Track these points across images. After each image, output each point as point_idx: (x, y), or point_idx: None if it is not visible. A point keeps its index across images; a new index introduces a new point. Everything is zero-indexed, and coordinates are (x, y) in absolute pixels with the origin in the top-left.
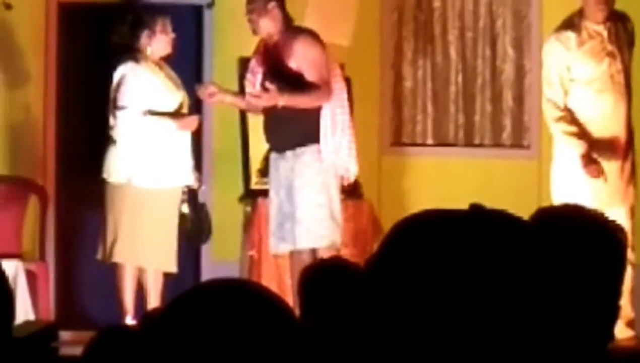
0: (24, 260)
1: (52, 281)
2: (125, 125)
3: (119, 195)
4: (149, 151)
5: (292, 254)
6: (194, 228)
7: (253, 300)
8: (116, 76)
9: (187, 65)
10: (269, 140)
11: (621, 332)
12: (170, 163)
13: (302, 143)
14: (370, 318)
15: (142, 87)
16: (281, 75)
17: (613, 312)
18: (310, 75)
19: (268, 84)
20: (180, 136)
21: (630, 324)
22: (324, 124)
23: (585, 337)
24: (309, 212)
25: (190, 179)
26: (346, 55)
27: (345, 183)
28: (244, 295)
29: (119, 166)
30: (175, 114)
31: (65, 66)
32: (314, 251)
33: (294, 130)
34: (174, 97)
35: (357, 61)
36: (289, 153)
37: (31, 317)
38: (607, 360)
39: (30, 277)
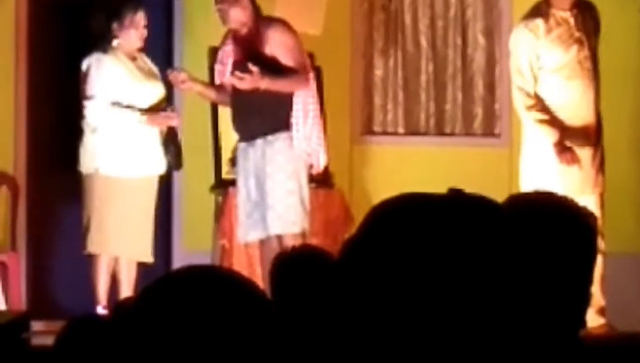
0: None
1: (24, 271)
2: (93, 115)
3: (89, 185)
4: (117, 140)
5: (262, 243)
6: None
7: (226, 285)
8: (83, 67)
9: (158, 54)
10: (237, 129)
11: (592, 319)
12: (139, 152)
13: (273, 130)
14: (346, 304)
15: (109, 78)
16: (257, 64)
17: (585, 298)
18: (287, 61)
19: (251, 66)
20: (149, 127)
21: (601, 312)
22: (296, 112)
23: (557, 323)
24: (280, 198)
25: (161, 169)
26: (317, 44)
27: (315, 172)
28: (216, 281)
29: (88, 156)
30: (147, 110)
31: (37, 57)
32: (281, 240)
33: (263, 119)
34: (144, 88)
35: (328, 50)
36: (259, 141)
37: (2, 307)
38: (579, 346)
39: (2, 267)
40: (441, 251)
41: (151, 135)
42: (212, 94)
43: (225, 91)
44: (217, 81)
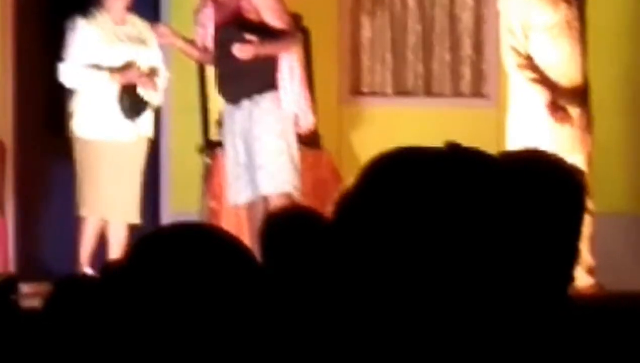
0: None
1: (11, 234)
2: (65, 77)
3: (73, 149)
4: (91, 103)
5: (250, 205)
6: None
7: (214, 242)
8: (65, 31)
9: (145, 19)
10: (222, 92)
11: (581, 279)
12: (114, 115)
13: (259, 91)
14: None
15: (82, 42)
16: (242, 29)
17: (573, 254)
18: (276, 23)
19: (249, 36)
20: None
21: (590, 272)
22: (282, 73)
23: (546, 278)
24: (270, 158)
25: (149, 131)
26: (304, 5)
27: (302, 132)
28: (204, 238)
29: (69, 120)
30: (114, 69)
31: (23, 18)
32: (285, 197)
33: (249, 80)
34: (123, 52)
35: (315, 11)
36: (245, 102)
37: None
38: (568, 301)
39: None
40: (439, 205)
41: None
42: (194, 52)
43: (208, 52)
44: (199, 44)
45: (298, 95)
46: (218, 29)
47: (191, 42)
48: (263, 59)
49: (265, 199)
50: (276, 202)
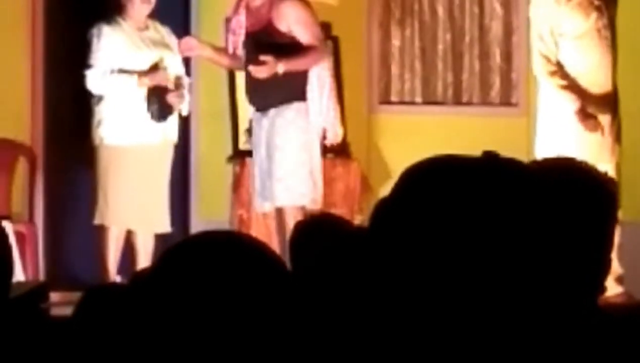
0: (12, 221)
1: (41, 242)
2: (92, 84)
3: (96, 157)
4: (120, 109)
5: (278, 212)
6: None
7: (243, 251)
8: (88, 38)
9: (174, 25)
10: (251, 99)
11: (610, 288)
12: (143, 120)
13: (286, 101)
14: (379, 269)
15: (108, 48)
16: (271, 39)
17: (604, 263)
18: (303, 37)
19: (263, 57)
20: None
21: (619, 280)
22: (311, 85)
23: (578, 288)
24: (289, 170)
25: (174, 135)
26: (333, 14)
27: (329, 144)
28: (234, 247)
29: (93, 127)
30: (142, 72)
31: (53, 26)
32: (301, 209)
33: (277, 89)
34: (148, 57)
35: (345, 20)
36: (272, 111)
37: (20, 278)
38: (598, 312)
39: (19, 238)
40: (477, 214)
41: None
42: (224, 59)
43: (238, 59)
44: (230, 50)
45: (327, 108)
46: (248, 36)
47: (220, 50)
48: (291, 71)
49: (299, 208)
50: (290, 214)
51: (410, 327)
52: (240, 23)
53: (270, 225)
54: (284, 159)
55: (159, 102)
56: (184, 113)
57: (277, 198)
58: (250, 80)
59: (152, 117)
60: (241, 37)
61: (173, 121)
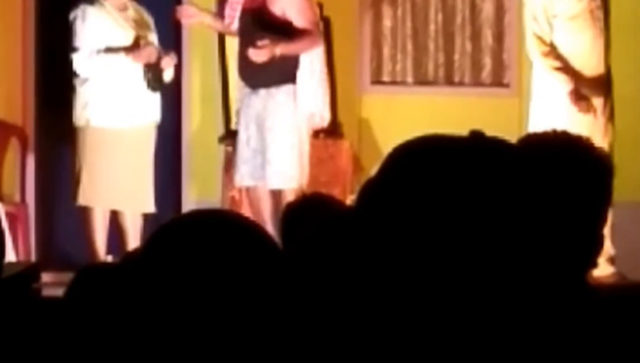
0: (3, 202)
1: (33, 223)
2: (80, 66)
3: (81, 139)
4: (107, 91)
5: (252, 188)
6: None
7: (234, 229)
8: (70, 19)
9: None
10: (242, 75)
11: (602, 268)
12: (130, 102)
13: (277, 82)
14: (368, 247)
15: (93, 29)
16: (267, 22)
17: (598, 238)
18: (299, 21)
19: (260, 42)
20: (136, 74)
21: (610, 260)
22: (302, 69)
23: (568, 262)
24: (280, 153)
25: (157, 117)
26: None
27: (317, 128)
28: (225, 225)
29: (79, 108)
30: (129, 48)
31: (45, 8)
32: (294, 192)
33: (269, 70)
34: (131, 37)
35: (336, 0)
36: (262, 91)
37: (12, 259)
38: (587, 290)
39: (11, 219)
40: (463, 192)
41: (139, 85)
42: (220, 25)
43: (233, 30)
44: (227, 23)
45: (315, 93)
46: (244, 12)
47: (217, 17)
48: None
49: (273, 193)
50: (284, 197)
51: (397, 307)
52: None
53: (255, 199)
54: (275, 140)
55: (154, 73)
56: (168, 80)
57: (270, 181)
58: (244, 57)
59: (150, 87)
60: (237, 13)
61: (156, 102)
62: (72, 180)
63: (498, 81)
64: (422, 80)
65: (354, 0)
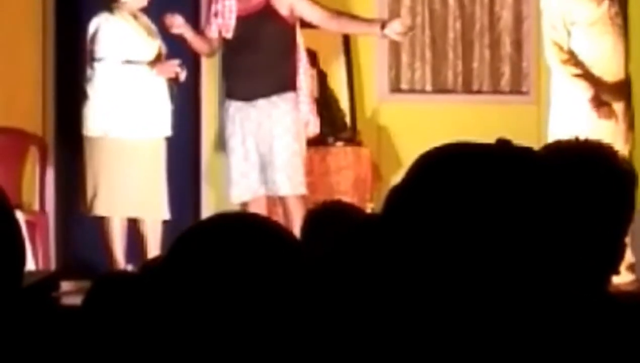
0: (23, 211)
1: (52, 231)
2: (103, 76)
3: (97, 149)
4: (125, 102)
5: (253, 201)
6: None
7: (258, 231)
8: (91, 28)
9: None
10: (234, 88)
11: (622, 276)
12: (147, 114)
13: (277, 91)
14: (393, 253)
15: (118, 38)
16: (267, 23)
17: (620, 246)
18: (313, 14)
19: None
20: (156, 86)
21: (630, 268)
22: (301, 76)
23: (591, 268)
24: (288, 159)
25: (168, 130)
26: (344, 2)
27: (311, 134)
28: (249, 228)
29: (95, 119)
30: (153, 62)
31: (65, 17)
32: (302, 198)
33: (268, 78)
34: (150, 46)
35: (355, 8)
36: (261, 101)
37: (31, 267)
38: (607, 297)
39: (30, 227)
40: (490, 202)
41: (158, 95)
42: (201, 45)
43: (215, 44)
44: (214, 34)
45: (308, 101)
46: (241, 20)
47: (198, 34)
48: (280, 59)
49: (282, 200)
50: (293, 203)
51: (425, 314)
52: (231, 7)
53: (287, 210)
54: (282, 148)
55: (177, 87)
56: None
57: (280, 187)
58: (237, 67)
59: (172, 100)
60: (231, 22)
61: (167, 115)
62: (83, 190)
63: (517, 89)
64: (441, 88)
65: (374, 8)
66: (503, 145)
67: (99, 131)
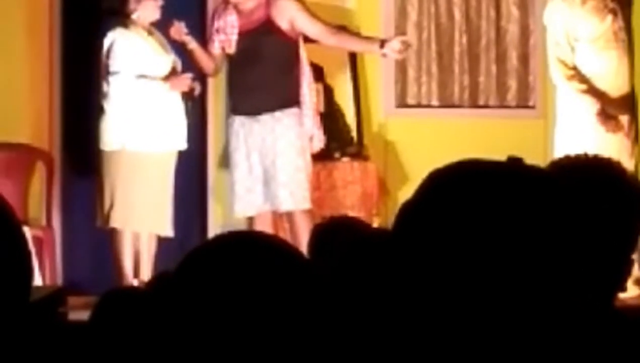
0: (30, 226)
1: (59, 247)
2: (118, 90)
3: (114, 162)
4: (142, 116)
5: (257, 216)
6: None
7: (266, 249)
8: (106, 43)
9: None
10: (237, 103)
11: (629, 290)
12: (163, 127)
13: (281, 106)
14: (403, 271)
15: (133, 52)
16: (267, 38)
17: (627, 262)
18: (312, 28)
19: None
20: (171, 100)
21: (637, 282)
22: (304, 90)
23: (598, 284)
24: (291, 175)
25: (183, 144)
26: (350, 17)
27: (316, 150)
28: (257, 246)
29: (113, 133)
30: (167, 76)
31: (71, 31)
32: (307, 213)
33: (272, 93)
34: (164, 61)
35: (361, 23)
36: (265, 116)
37: (38, 282)
38: (613, 312)
39: (37, 243)
40: (502, 221)
41: (174, 110)
42: (206, 61)
43: (218, 61)
44: (217, 51)
45: (312, 116)
46: (243, 36)
47: (202, 49)
48: (282, 74)
49: (289, 215)
50: (300, 218)
51: (435, 331)
52: (232, 23)
53: (294, 226)
54: (286, 164)
55: (192, 100)
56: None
57: (283, 203)
58: (240, 82)
59: (187, 114)
60: (233, 37)
61: (183, 128)
62: (97, 203)
63: (523, 103)
64: (447, 103)
65: (379, 23)
66: (515, 163)
67: (116, 145)
